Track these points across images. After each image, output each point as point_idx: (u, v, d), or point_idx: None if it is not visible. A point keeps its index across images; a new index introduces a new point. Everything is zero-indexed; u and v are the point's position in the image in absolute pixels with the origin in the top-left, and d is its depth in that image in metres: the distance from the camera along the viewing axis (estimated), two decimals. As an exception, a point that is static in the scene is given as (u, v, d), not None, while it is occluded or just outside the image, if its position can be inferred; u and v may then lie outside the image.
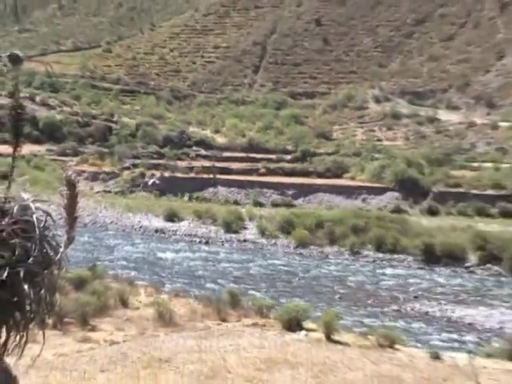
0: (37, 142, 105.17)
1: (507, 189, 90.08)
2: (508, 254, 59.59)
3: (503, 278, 55.53)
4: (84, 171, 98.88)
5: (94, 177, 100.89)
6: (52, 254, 5.73)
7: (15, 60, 6.76)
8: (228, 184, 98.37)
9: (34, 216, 5.67)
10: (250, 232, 74.48)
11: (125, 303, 37.61)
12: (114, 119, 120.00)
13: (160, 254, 65.49)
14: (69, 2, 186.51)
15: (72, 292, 36.35)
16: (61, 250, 5.86)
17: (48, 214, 5.79)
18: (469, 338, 39.66)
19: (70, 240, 6.03)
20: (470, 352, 31.75)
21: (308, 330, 35.53)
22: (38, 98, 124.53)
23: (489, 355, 33.29)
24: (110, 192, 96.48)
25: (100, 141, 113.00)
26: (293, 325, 35.68)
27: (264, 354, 31.49)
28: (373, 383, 28.53)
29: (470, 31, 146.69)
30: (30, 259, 5.55)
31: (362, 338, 34.99)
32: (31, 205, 5.73)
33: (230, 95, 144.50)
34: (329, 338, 34.47)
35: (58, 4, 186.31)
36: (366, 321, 41.00)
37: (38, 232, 5.64)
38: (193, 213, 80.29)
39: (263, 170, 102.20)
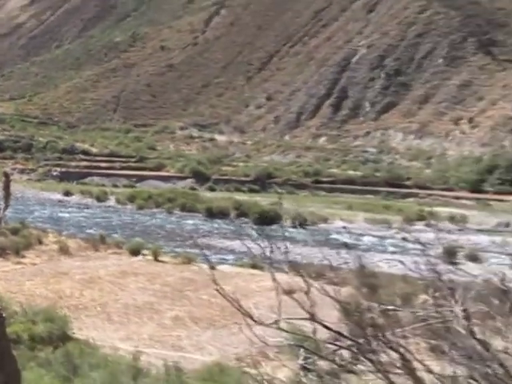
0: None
1: (251, 176, 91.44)
2: (252, 212, 60.42)
3: (249, 225, 56.05)
4: (16, 168, 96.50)
5: (22, 171, 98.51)
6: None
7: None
8: (99, 175, 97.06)
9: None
10: (111, 201, 73.69)
11: (41, 242, 36.99)
12: (34, 139, 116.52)
13: (60, 214, 64.23)
14: (7, 71, 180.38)
15: (10, 236, 35.54)
16: (1, 212, 5.78)
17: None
18: (230, 257, 40.07)
19: (7, 207, 5.95)
20: (212, 266, 31.98)
21: (144, 254, 35.48)
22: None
23: (241, 265, 33.81)
24: (31, 180, 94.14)
25: (26, 151, 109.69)
26: (135, 252, 35.59)
27: (120, 269, 31.32)
28: (179, 283, 28.65)
29: (231, 91, 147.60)
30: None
31: (174, 258, 35.11)
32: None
33: (100, 125, 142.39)
34: (156, 259, 34.48)
35: (0, 74, 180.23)
36: (176, 249, 40.93)
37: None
38: (79, 191, 79.10)
39: (118, 167, 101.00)
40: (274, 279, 3.41)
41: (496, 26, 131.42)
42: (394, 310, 3.45)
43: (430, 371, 3.09)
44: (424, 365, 3.11)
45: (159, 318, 23.46)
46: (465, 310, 3.39)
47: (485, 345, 3.40)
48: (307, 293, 3.34)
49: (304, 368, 4.27)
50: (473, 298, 3.72)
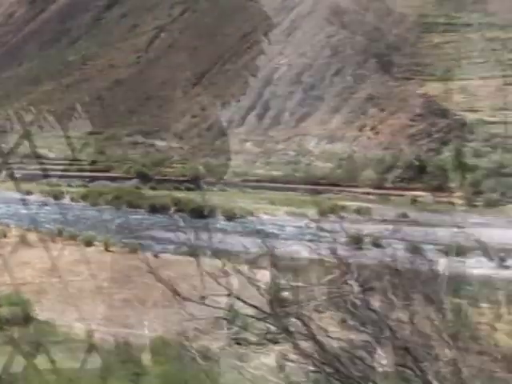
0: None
1: (187, 176, 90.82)
2: (188, 208, 59.91)
3: (186, 219, 55.17)
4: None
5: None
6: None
7: None
8: (56, 176, 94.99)
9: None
10: (67, 199, 72.45)
11: (5, 235, 36.43)
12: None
13: (23, 211, 62.45)
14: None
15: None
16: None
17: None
18: (171, 246, 39.45)
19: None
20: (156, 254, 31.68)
21: (96, 245, 35.06)
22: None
23: (180, 253, 33.28)
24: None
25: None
26: (89, 243, 35.18)
27: (75, 258, 30.86)
28: (126, 269, 28.41)
29: (170, 103, 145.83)
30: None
31: (122, 248, 34.79)
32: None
33: (57, 133, 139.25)
34: (106, 249, 34.17)
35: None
36: (124, 240, 40.11)
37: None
38: (38, 191, 77.31)
39: (75, 169, 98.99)
40: (198, 264, 3.52)
41: (394, 49, 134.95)
42: (302, 286, 3.59)
43: (329, 336, 3.24)
44: (325, 330, 3.26)
45: (110, 300, 23.33)
46: (360, 286, 3.55)
47: (377, 314, 3.56)
48: (226, 274, 3.45)
49: (232, 339, 4.37)
50: (368, 276, 3.89)
